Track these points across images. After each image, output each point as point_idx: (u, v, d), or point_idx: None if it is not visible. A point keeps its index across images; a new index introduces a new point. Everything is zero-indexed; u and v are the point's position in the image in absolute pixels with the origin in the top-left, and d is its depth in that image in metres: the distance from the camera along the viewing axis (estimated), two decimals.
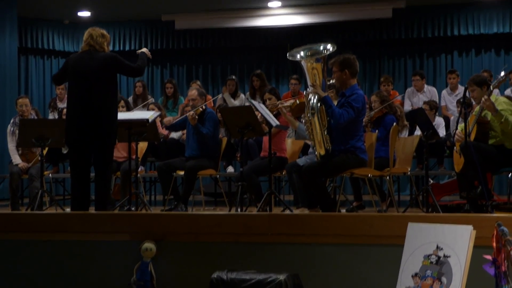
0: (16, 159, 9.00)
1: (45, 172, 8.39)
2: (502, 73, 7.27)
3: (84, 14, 14.42)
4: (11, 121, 9.57)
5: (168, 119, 9.26)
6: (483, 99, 6.83)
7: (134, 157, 7.86)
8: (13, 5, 12.94)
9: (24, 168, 8.80)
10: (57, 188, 10.34)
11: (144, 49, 7.41)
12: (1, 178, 10.73)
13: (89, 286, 5.57)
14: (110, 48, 6.98)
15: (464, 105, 7.15)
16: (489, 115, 6.99)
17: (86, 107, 6.51)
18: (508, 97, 8.17)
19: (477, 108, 7.12)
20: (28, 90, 14.36)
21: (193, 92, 8.90)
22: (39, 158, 8.00)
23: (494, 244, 3.46)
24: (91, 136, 6.52)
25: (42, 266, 5.75)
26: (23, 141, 7.79)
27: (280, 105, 8.10)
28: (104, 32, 6.85)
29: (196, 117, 8.37)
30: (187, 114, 8.46)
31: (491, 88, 7.00)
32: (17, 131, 8.44)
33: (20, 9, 13.11)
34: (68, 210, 7.06)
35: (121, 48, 14.74)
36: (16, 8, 13.01)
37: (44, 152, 7.87)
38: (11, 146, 9.28)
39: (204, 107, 8.69)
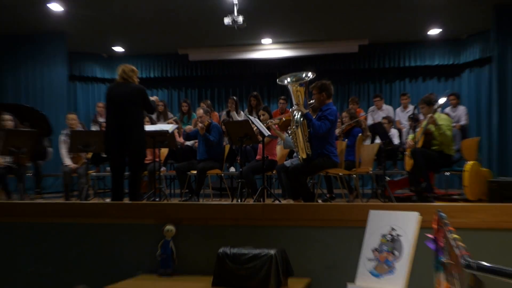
0: (67, 161, 9.00)
1: (89, 171, 8.42)
2: (442, 100, 7.36)
3: (118, 49, 14.48)
4: (63, 132, 9.62)
5: (189, 127, 9.32)
6: (428, 116, 6.92)
7: (157, 160, 7.91)
8: (64, 42, 13.01)
9: (74, 168, 8.82)
10: (98, 183, 10.36)
11: (154, 97, 7.57)
12: (56, 176, 10.77)
13: (125, 260, 5.61)
14: (142, 75, 7.01)
15: (413, 120, 7.25)
16: (432, 128, 7.06)
17: (120, 125, 6.59)
18: (447, 114, 8.27)
19: (424, 123, 7.19)
20: (76, 108, 14.37)
21: (200, 111, 9.01)
22: (85, 161, 8.04)
23: (435, 226, 3.55)
24: (124, 147, 6.61)
25: (88, 245, 5.80)
26: (72, 147, 7.82)
27: (270, 123, 8.18)
28: (134, 67, 6.89)
29: (204, 127, 8.48)
30: (198, 126, 8.56)
31: (435, 108, 7.10)
32: (68, 140, 8.46)
33: (69, 45, 13.17)
34: (107, 200, 7.11)
35: (147, 76, 14.74)
36: (67, 45, 13.08)
37: (89, 156, 7.91)
38: (63, 151, 9.32)
39: (210, 120, 8.78)
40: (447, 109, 10.63)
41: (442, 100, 7.32)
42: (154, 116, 10.91)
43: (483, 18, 11.34)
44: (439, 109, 7.29)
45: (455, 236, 2.63)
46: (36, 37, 12.88)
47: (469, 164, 6.71)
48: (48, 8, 11.09)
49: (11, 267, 5.91)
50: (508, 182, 5.99)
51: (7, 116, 8.26)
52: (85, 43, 13.76)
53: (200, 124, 8.51)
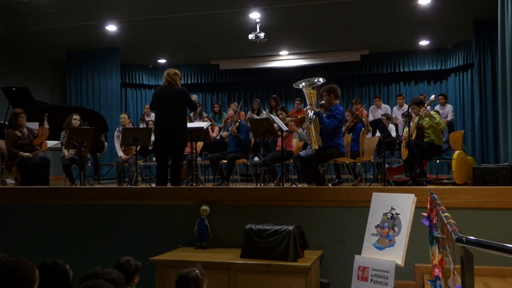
0: (120, 153, 9.02)
1: (138, 161, 8.42)
2: (433, 96, 7.25)
3: (162, 61, 14.48)
4: (116, 129, 9.66)
5: (226, 133, 9.28)
6: (422, 110, 6.82)
7: (194, 151, 7.89)
8: (118, 56, 13.09)
9: (125, 159, 8.84)
10: (145, 171, 10.39)
11: (194, 96, 7.55)
12: (111, 166, 10.83)
13: (167, 235, 5.60)
14: (181, 82, 6.97)
15: (407, 116, 7.13)
16: (424, 122, 6.97)
17: (167, 124, 6.56)
18: (436, 111, 8.15)
19: (416, 118, 7.09)
20: (127, 109, 14.45)
21: (230, 112, 9.12)
22: (134, 152, 8.03)
23: (428, 206, 3.45)
24: (169, 142, 6.58)
25: (137, 222, 5.80)
26: (124, 141, 7.83)
27: (287, 120, 8.15)
28: (177, 71, 6.82)
29: (235, 130, 8.46)
30: (230, 129, 8.54)
31: (425, 105, 6.98)
32: (120, 136, 8.48)
33: (122, 58, 13.25)
34: (153, 185, 7.09)
35: (185, 82, 14.77)
36: (119, 57, 13.17)
37: (138, 148, 7.91)
38: (117, 145, 9.34)
39: (239, 120, 8.74)
40: (437, 107, 10.53)
41: (432, 97, 7.20)
42: (191, 115, 10.92)
43: (465, 31, 11.28)
44: (429, 107, 7.17)
45: (446, 214, 2.54)
46: (96, 52, 12.99)
47: (456, 153, 6.58)
48: (105, 29, 11.18)
49: (74, 240, 5.93)
50: (489, 168, 5.87)
51: (76, 116, 8.30)
52: (135, 56, 13.82)
53: (232, 127, 8.50)
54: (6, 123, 7.82)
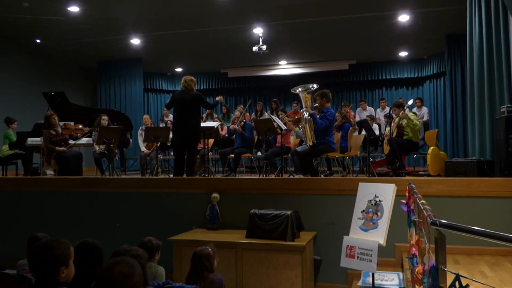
0: (143, 148, 9.03)
1: (159, 155, 8.43)
2: (411, 101, 7.24)
3: (178, 69, 14.47)
4: (140, 128, 9.66)
5: (233, 126, 9.28)
6: (401, 112, 6.80)
7: (206, 147, 7.88)
8: (140, 65, 13.10)
9: (147, 153, 8.85)
10: (165, 164, 10.39)
11: (220, 97, 7.51)
12: (135, 159, 10.84)
13: (183, 218, 5.61)
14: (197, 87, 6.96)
15: (389, 117, 7.11)
16: (403, 123, 6.95)
17: (184, 123, 6.55)
18: (414, 113, 8.13)
19: (397, 119, 7.06)
20: (148, 111, 14.46)
21: (236, 113, 9.16)
22: (155, 148, 8.04)
23: (407, 194, 3.45)
24: (186, 139, 6.57)
25: (157, 207, 5.81)
26: (146, 138, 7.83)
27: (286, 120, 8.13)
28: (193, 78, 6.80)
29: (241, 129, 8.47)
30: (236, 128, 8.54)
31: (404, 108, 6.96)
32: (143, 133, 8.49)
33: (144, 67, 13.27)
34: (171, 176, 7.09)
35: (198, 88, 14.73)
36: (142, 66, 13.18)
37: (158, 144, 7.92)
38: (140, 141, 9.36)
39: (244, 120, 8.73)
40: (414, 109, 10.48)
41: (410, 101, 7.18)
42: (204, 116, 10.92)
43: (439, 44, 11.27)
44: (407, 109, 7.14)
45: (423, 201, 2.54)
46: (122, 62, 12.98)
47: (430, 149, 6.54)
48: (130, 42, 11.20)
49: (104, 222, 5.95)
50: (459, 162, 5.84)
51: (104, 116, 8.31)
52: (155, 65, 13.81)
53: (237, 127, 8.51)
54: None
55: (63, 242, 2.21)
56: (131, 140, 9.61)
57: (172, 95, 6.86)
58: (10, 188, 6.46)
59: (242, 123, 8.61)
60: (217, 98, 7.44)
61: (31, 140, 8.08)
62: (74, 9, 8.91)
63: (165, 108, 11.93)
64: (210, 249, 3.54)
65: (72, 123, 8.35)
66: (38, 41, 11.11)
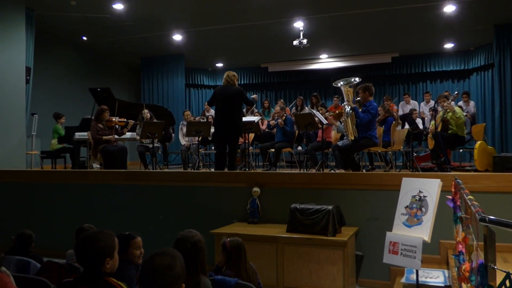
0: (183, 142, 9.19)
1: (200, 150, 8.53)
2: (456, 92, 7.04)
3: (219, 65, 14.61)
4: (181, 123, 9.81)
5: (273, 122, 9.30)
6: (446, 103, 6.62)
7: (247, 141, 7.92)
8: (182, 60, 13.29)
9: (187, 145, 8.99)
10: (206, 158, 10.52)
11: (254, 96, 7.53)
12: (177, 153, 11.01)
13: (225, 212, 5.66)
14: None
15: (433, 111, 6.93)
16: (448, 116, 6.76)
17: (225, 118, 6.59)
18: (460, 106, 7.89)
19: (441, 113, 6.88)
20: (190, 106, 14.67)
21: (277, 108, 9.08)
22: (196, 142, 8.14)
23: (453, 189, 3.35)
24: (227, 134, 6.62)
25: (199, 201, 5.88)
26: (188, 133, 7.94)
27: (327, 114, 8.07)
28: (235, 73, 6.82)
29: (283, 123, 8.44)
30: (278, 122, 8.53)
31: (450, 100, 6.77)
32: (184, 128, 8.61)
33: (186, 63, 13.48)
34: (212, 170, 7.16)
35: (239, 82, 14.78)
36: (184, 62, 13.36)
37: (199, 139, 8.01)
38: (181, 135, 9.52)
39: (285, 115, 8.71)
40: (460, 103, 10.18)
41: (455, 93, 7.00)
42: (244, 111, 10.98)
43: (486, 34, 10.87)
44: (453, 102, 6.95)
45: (470, 197, 2.46)
46: (165, 58, 13.22)
47: (478, 143, 6.36)
48: (172, 38, 11.36)
49: (148, 215, 6.08)
50: (508, 156, 5.64)
51: (146, 110, 8.47)
52: (197, 61, 13.98)
53: (280, 120, 8.50)
54: (93, 117, 8.07)
55: (107, 233, 2.25)
56: (173, 134, 9.76)
57: (214, 91, 6.89)
58: (59, 181, 6.70)
59: (284, 117, 8.60)
60: (253, 96, 7.47)
61: (78, 135, 8.35)
62: (118, 6, 9.13)
63: (206, 103, 12.08)
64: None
65: (117, 118, 8.57)
66: (84, 38, 11.45)
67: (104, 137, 7.32)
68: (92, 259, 2.14)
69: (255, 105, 10.01)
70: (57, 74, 11.23)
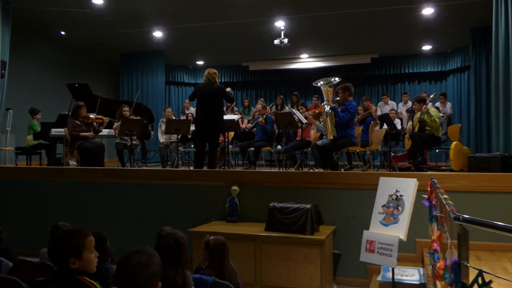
0: (161, 139, 9.12)
1: (179, 147, 8.47)
2: (433, 94, 7.14)
3: (200, 62, 14.54)
4: (160, 120, 9.73)
5: (249, 126, 9.29)
6: (423, 107, 6.70)
7: (227, 140, 7.90)
8: (162, 57, 13.17)
9: (166, 143, 8.93)
10: (185, 156, 10.45)
11: (228, 89, 7.48)
12: (156, 151, 10.92)
13: (204, 209, 5.63)
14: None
15: (411, 112, 7.01)
16: (425, 117, 6.86)
17: (207, 116, 6.55)
18: (437, 107, 8.01)
19: (418, 114, 6.97)
20: (170, 103, 14.56)
21: (258, 106, 9.02)
22: (176, 140, 8.08)
23: (428, 189, 3.40)
24: (207, 131, 6.57)
25: (178, 199, 5.85)
26: (167, 130, 7.88)
27: (307, 114, 8.10)
28: (216, 71, 6.77)
29: (263, 120, 8.43)
30: (259, 120, 8.51)
31: (427, 102, 6.86)
32: (163, 125, 8.53)
33: (166, 60, 13.34)
34: (191, 168, 7.12)
35: (219, 81, 14.70)
36: (164, 59, 13.24)
37: (179, 136, 7.96)
38: (159, 133, 9.45)
39: (266, 114, 8.72)
40: (437, 104, 10.34)
41: (432, 95, 7.08)
42: (224, 109, 10.95)
43: (463, 37, 11.07)
44: (430, 103, 7.04)
45: (445, 196, 2.49)
46: (144, 55, 13.09)
47: (453, 144, 6.46)
48: (153, 35, 11.27)
49: (125, 213, 6.02)
50: (483, 157, 5.74)
51: (126, 107, 8.38)
52: (177, 58, 13.88)
53: (260, 119, 8.48)
54: (69, 113, 7.94)
55: (78, 232, 2.18)
56: (152, 132, 9.68)
57: (195, 88, 6.84)
58: (34, 178, 6.58)
59: (265, 115, 8.60)
60: (227, 89, 7.42)
61: (55, 131, 8.21)
62: (98, 1, 9.00)
63: (186, 101, 12.00)
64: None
65: (94, 115, 8.46)
66: (63, 33, 11.26)
67: (81, 133, 7.22)
68: (57, 258, 2.10)
69: (235, 103, 9.98)
70: (33, 69, 11.02)
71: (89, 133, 7.31)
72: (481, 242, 4.27)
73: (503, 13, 6.24)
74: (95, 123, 7.60)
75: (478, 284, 1.61)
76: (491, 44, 6.72)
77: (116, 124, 8.16)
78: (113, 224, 5.90)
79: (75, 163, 7.87)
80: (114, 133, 8.26)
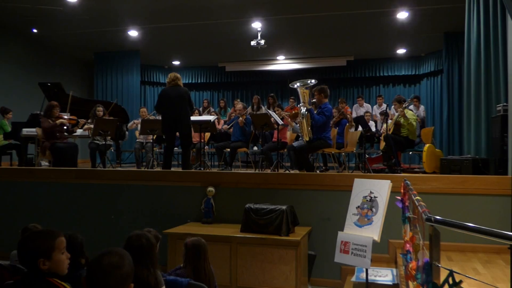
0: (139, 139, 9.06)
1: (154, 148, 8.40)
2: (410, 99, 7.27)
3: (176, 62, 14.47)
4: (133, 120, 9.64)
5: (226, 127, 9.27)
6: (400, 110, 6.81)
7: (203, 140, 7.87)
8: (138, 57, 13.04)
9: (140, 137, 8.88)
10: (160, 157, 10.35)
11: None
12: (131, 151, 10.79)
13: (179, 211, 5.60)
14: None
15: (385, 114, 7.12)
16: (401, 119, 6.96)
17: (175, 116, 6.54)
18: (410, 110, 8.14)
19: (395, 116, 7.07)
20: (145, 103, 14.42)
21: (239, 106, 8.97)
22: (151, 140, 8.01)
23: (402, 190, 3.45)
24: (174, 132, 6.62)
25: (154, 200, 5.79)
26: (142, 131, 7.80)
27: (283, 114, 8.12)
28: (178, 75, 6.79)
29: (243, 120, 8.43)
30: (238, 120, 8.49)
31: (404, 106, 6.97)
32: (139, 126, 8.45)
33: (142, 59, 13.22)
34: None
35: (196, 81, 14.92)
36: (139, 59, 13.11)
37: (154, 137, 7.89)
38: (137, 133, 9.37)
39: (245, 114, 8.71)
40: (411, 107, 10.51)
41: (408, 102, 7.21)
42: (201, 110, 10.91)
43: (437, 42, 11.28)
44: (408, 106, 7.17)
45: (418, 197, 2.54)
46: (119, 54, 12.94)
47: (426, 146, 6.57)
48: (128, 34, 11.14)
49: (99, 214, 5.93)
50: (455, 159, 5.86)
51: (100, 107, 8.26)
52: (153, 58, 13.77)
53: (240, 119, 8.46)
54: (42, 113, 7.78)
55: (48, 233, 2.15)
56: (127, 132, 9.57)
57: (160, 94, 6.81)
58: (4, 179, 6.42)
59: (245, 116, 8.60)
60: None
61: (26, 131, 8.03)
62: None
63: (143, 108, 11.85)
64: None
65: (67, 115, 8.31)
66: (35, 31, 11.03)
67: (58, 120, 7.08)
68: (26, 259, 2.06)
69: (196, 111, 9.92)
70: (4, 67, 10.77)
71: (65, 120, 7.18)
72: (452, 243, 4.37)
73: (475, 18, 6.39)
74: (68, 124, 7.48)
75: (448, 284, 1.64)
76: (464, 49, 6.86)
77: (87, 125, 8.05)
78: (86, 226, 5.80)
79: (47, 163, 7.71)
80: (87, 133, 8.14)
